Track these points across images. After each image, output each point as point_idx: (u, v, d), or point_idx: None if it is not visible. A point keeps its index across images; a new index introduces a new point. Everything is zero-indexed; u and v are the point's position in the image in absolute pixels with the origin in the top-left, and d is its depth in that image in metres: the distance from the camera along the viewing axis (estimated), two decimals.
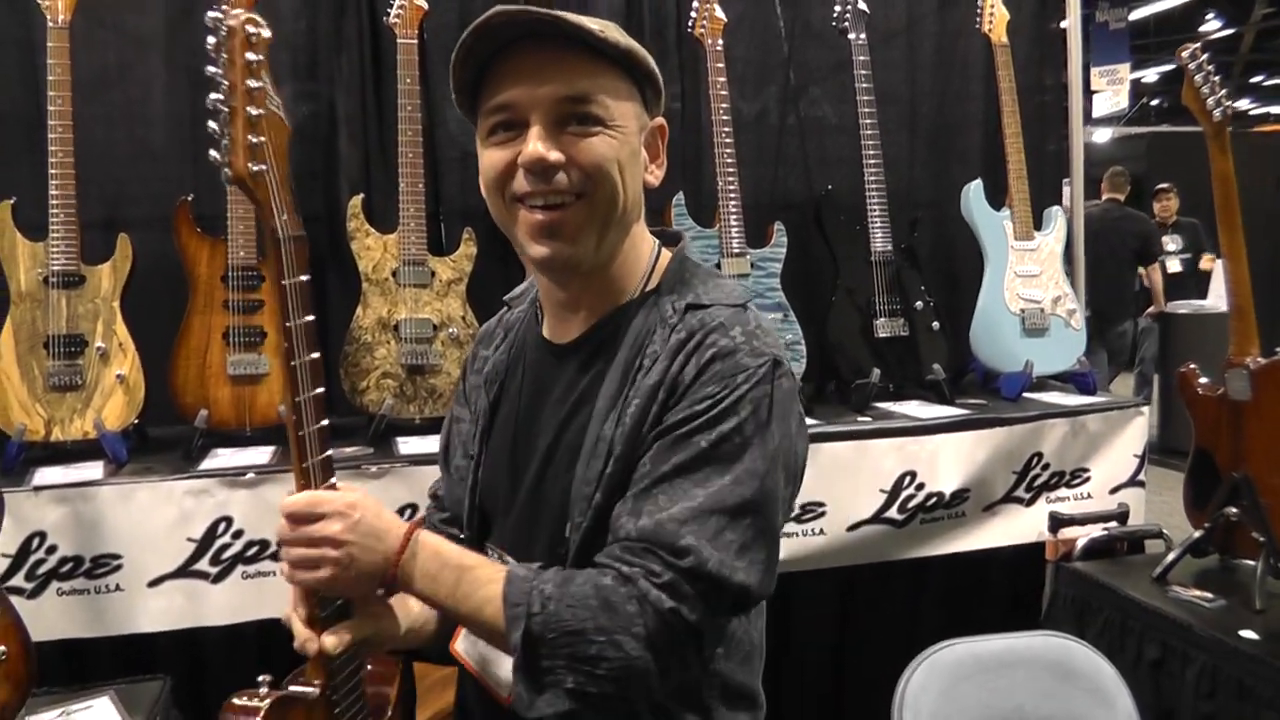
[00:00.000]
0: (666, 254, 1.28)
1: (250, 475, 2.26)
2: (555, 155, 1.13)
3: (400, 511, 2.22)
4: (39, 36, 2.29)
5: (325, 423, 1.19)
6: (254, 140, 1.07)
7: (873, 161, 2.78)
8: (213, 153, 1.08)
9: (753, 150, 2.97)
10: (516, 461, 1.26)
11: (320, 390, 1.19)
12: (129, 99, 2.61)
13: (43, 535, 2.14)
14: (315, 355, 1.20)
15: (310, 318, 1.19)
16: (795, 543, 2.48)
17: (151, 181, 2.57)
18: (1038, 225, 2.97)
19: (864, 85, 2.80)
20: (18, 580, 2.12)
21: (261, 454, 2.40)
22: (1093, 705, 2.13)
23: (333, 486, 1.16)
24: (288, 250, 1.14)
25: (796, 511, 2.46)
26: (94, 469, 2.26)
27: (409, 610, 1.27)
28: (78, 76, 2.34)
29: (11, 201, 2.27)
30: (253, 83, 1.06)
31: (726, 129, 2.68)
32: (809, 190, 2.92)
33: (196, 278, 2.45)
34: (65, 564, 2.15)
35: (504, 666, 1.18)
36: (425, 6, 2.62)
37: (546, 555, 1.17)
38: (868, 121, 2.80)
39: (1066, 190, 3.32)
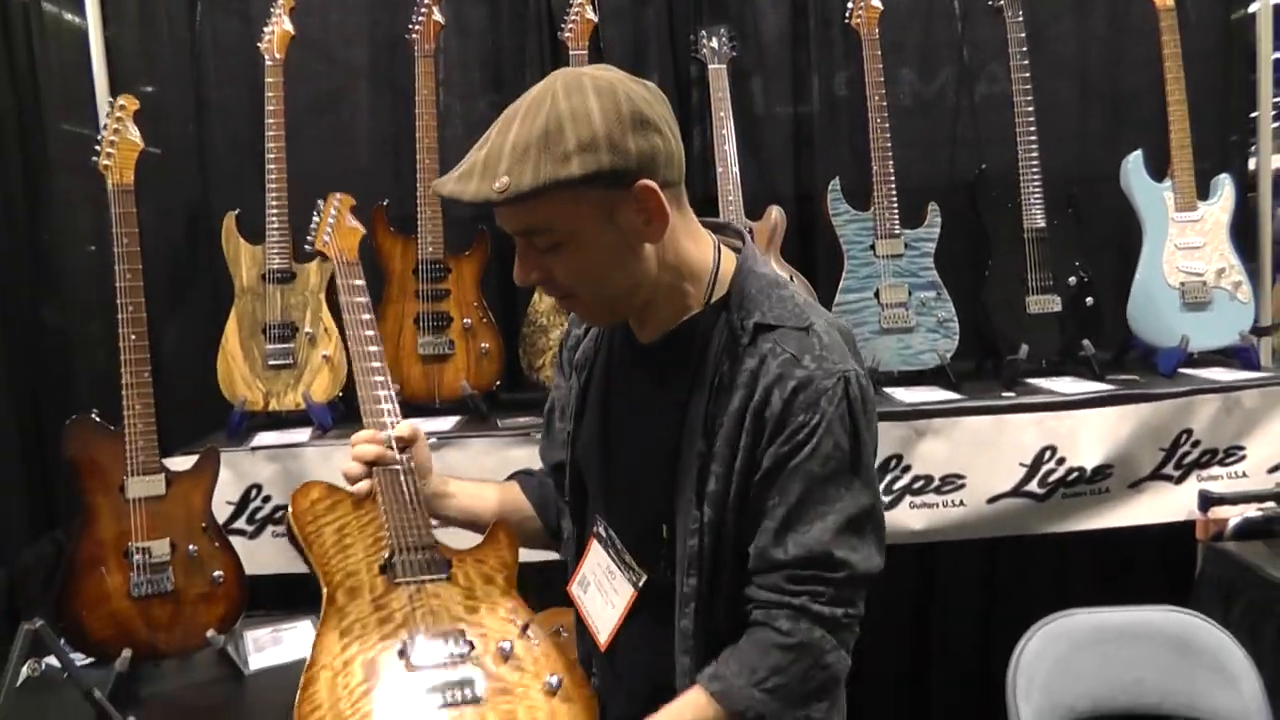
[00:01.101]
0: (729, 257, 1.38)
1: (434, 439, 2.64)
2: (531, 276, 1.30)
3: None
4: (261, 74, 2.73)
5: None
6: None
7: (1027, 137, 2.78)
8: None
9: (921, 132, 3.03)
10: (607, 447, 1.48)
11: None
12: (339, 121, 3.04)
13: (259, 487, 2.60)
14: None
15: None
16: (935, 513, 2.56)
17: (356, 190, 2.96)
18: (1204, 195, 2.87)
19: (1020, 62, 2.79)
20: (240, 523, 2.59)
21: (446, 423, 2.75)
22: (1216, 684, 2.12)
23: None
24: None
25: (936, 482, 2.56)
26: (302, 434, 2.69)
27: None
28: (296, 103, 2.79)
29: (236, 212, 2.73)
30: None
31: (883, 114, 2.78)
32: (973, 169, 2.95)
33: (391, 271, 2.83)
34: (277, 511, 2.61)
35: (601, 616, 1.47)
36: (595, 20, 2.85)
37: (641, 539, 1.41)
38: (1023, 98, 2.79)
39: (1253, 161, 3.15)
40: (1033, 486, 2.58)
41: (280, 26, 2.73)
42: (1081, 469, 2.59)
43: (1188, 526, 2.64)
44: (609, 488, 1.49)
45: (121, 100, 2.23)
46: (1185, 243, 2.82)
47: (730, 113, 2.79)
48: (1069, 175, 2.94)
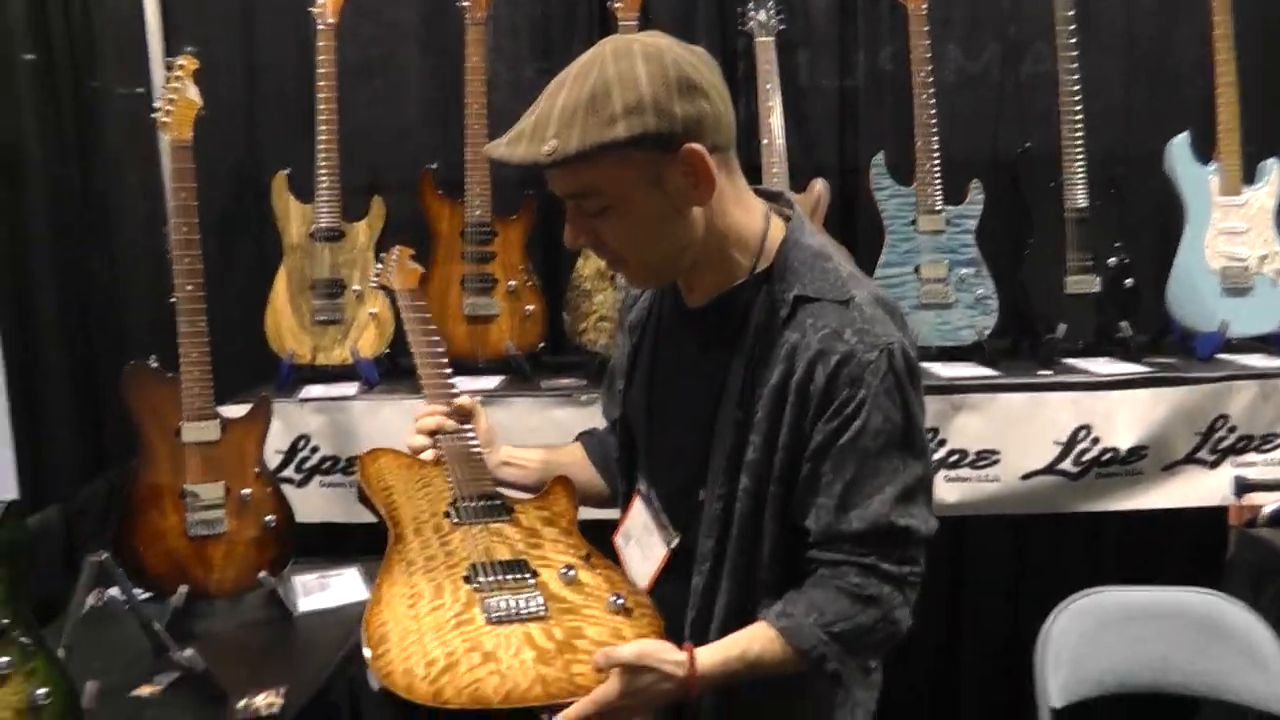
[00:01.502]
0: (778, 227, 1.40)
1: (479, 398, 2.67)
2: (581, 240, 1.34)
3: None
4: (313, 34, 2.76)
5: None
6: None
7: (1071, 115, 2.78)
8: None
9: (965, 108, 3.01)
10: (651, 407, 1.52)
11: None
12: (389, 83, 3.07)
13: (307, 438, 2.66)
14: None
15: None
16: (968, 487, 2.59)
17: (404, 153, 3.02)
18: (1250, 179, 2.87)
19: (1066, 40, 2.78)
20: (288, 472, 2.65)
21: (490, 382, 2.81)
22: (1244, 666, 2.14)
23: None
24: None
25: (970, 457, 2.58)
26: (350, 388, 2.74)
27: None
28: (345, 65, 2.82)
29: (287, 171, 2.78)
30: None
31: (928, 90, 2.78)
32: (1017, 147, 2.95)
33: (439, 233, 2.87)
34: (325, 461, 2.67)
35: (639, 571, 1.52)
36: None
37: (676, 501, 1.46)
38: (1069, 76, 2.78)
39: None
40: (1066, 465, 2.60)
41: None
42: (1115, 450, 2.60)
43: (1218, 512, 2.67)
44: (651, 447, 1.54)
45: (181, 60, 2.27)
46: (1228, 227, 2.82)
47: (777, 85, 2.81)
48: (1113, 155, 2.93)
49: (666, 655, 1.32)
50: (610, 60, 1.24)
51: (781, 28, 2.86)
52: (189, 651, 1.84)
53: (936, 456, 2.56)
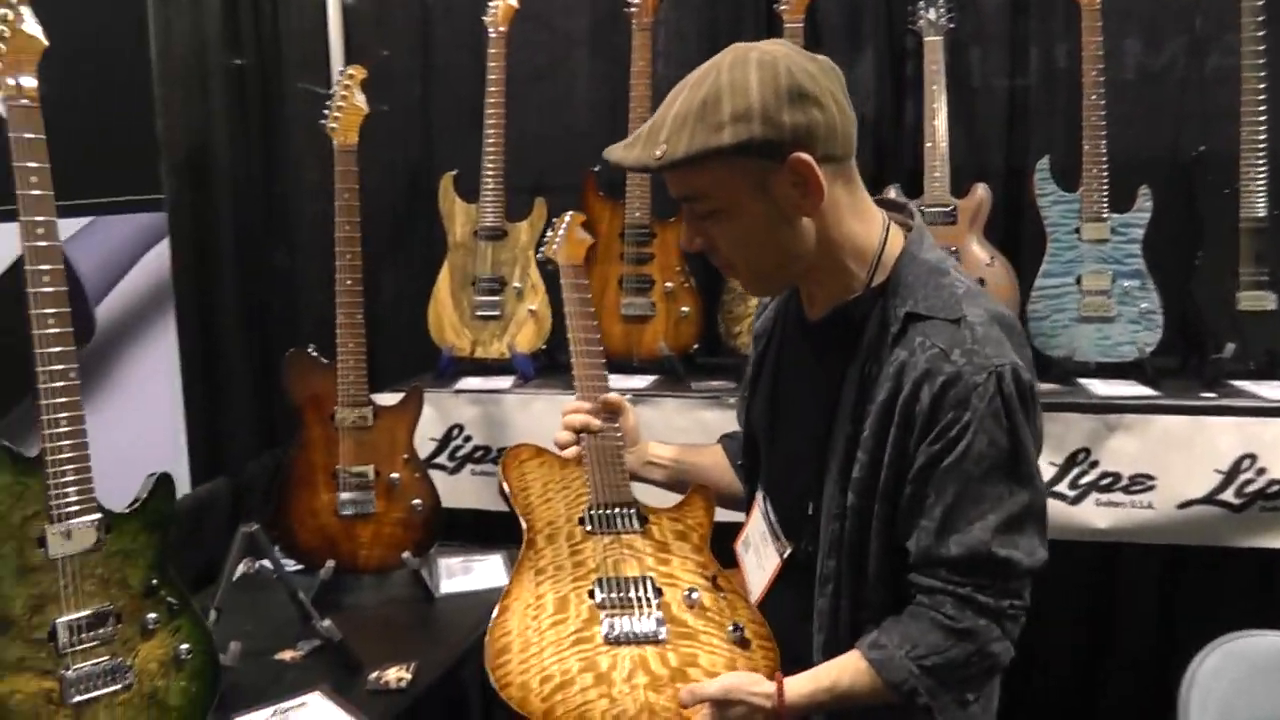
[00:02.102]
0: (897, 239, 1.39)
1: (629, 396, 2.72)
2: (695, 243, 1.38)
3: None
4: (485, 41, 2.87)
5: None
6: None
7: (1254, 116, 2.57)
8: None
9: (1143, 108, 2.84)
10: (773, 417, 1.55)
11: None
12: (557, 88, 3.16)
13: (461, 427, 2.76)
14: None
15: None
16: (1121, 513, 2.43)
17: (569, 155, 3.09)
18: None
19: (1253, 33, 2.58)
20: (442, 459, 2.76)
21: (642, 381, 2.84)
22: None
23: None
24: None
25: (1124, 481, 2.43)
26: (505, 381, 2.83)
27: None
28: (517, 70, 2.93)
29: (454, 173, 2.90)
30: None
31: (1098, 89, 2.65)
32: (1192, 149, 2.78)
33: (599, 234, 2.91)
34: (477, 451, 2.77)
35: (754, 579, 1.55)
36: None
37: (789, 512, 1.48)
38: (1253, 73, 2.56)
39: None
40: (1228, 495, 2.38)
41: (505, 1, 2.86)
42: None
43: None
44: (769, 456, 1.56)
45: (351, 69, 2.41)
46: None
47: (943, 86, 2.74)
48: None
49: (755, 688, 1.35)
50: (726, 68, 1.27)
51: (951, 26, 2.79)
52: (327, 622, 1.96)
53: (1088, 478, 2.42)
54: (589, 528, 1.68)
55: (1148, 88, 2.82)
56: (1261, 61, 2.58)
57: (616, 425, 1.72)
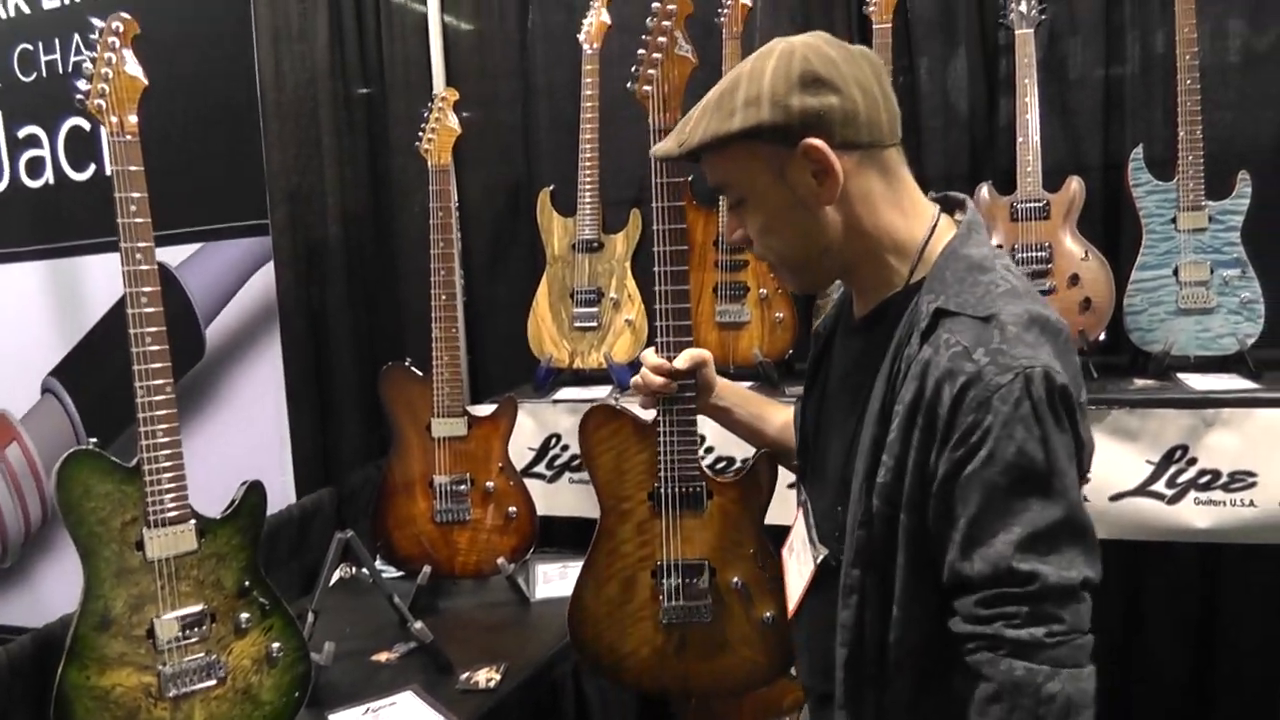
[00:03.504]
0: (947, 230, 1.32)
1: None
2: (736, 234, 1.38)
3: None
4: (580, 59, 2.93)
5: None
6: None
7: None
8: None
9: (1248, 91, 2.70)
10: (819, 418, 1.49)
11: None
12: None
13: (558, 436, 2.80)
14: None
15: None
16: (1221, 512, 2.30)
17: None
18: None
19: None
20: (540, 468, 2.81)
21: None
22: None
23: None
24: None
25: (1224, 479, 2.31)
26: (603, 391, 2.86)
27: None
28: (611, 86, 2.97)
29: (550, 189, 2.97)
30: None
31: (1193, 74, 2.54)
32: None
33: (694, 242, 2.94)
34: (574, 459, 2.79)
35: (792, 584, 1.53)
36: None
37: (825, 516, 1.42)
38: None
39: None
40: None
41: (598, 18, 2.92)
42: None
43: None
44: (814, 457, 1.49)
45: (444, 93, 2.51)
46: None
47: (1035, 79, 2.67)
48: None
49: None
50: (753, 59, 1.27)
51: (1043, 18, 2.73)
52: (419, 624, 2.04)
53: (1185, 476, 2.32)
54: (655, 505, 1.79)
55: (1251, 71, 2.70)
56: None
57: (693, 383, 1.72)
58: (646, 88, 1.89)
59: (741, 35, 2.90)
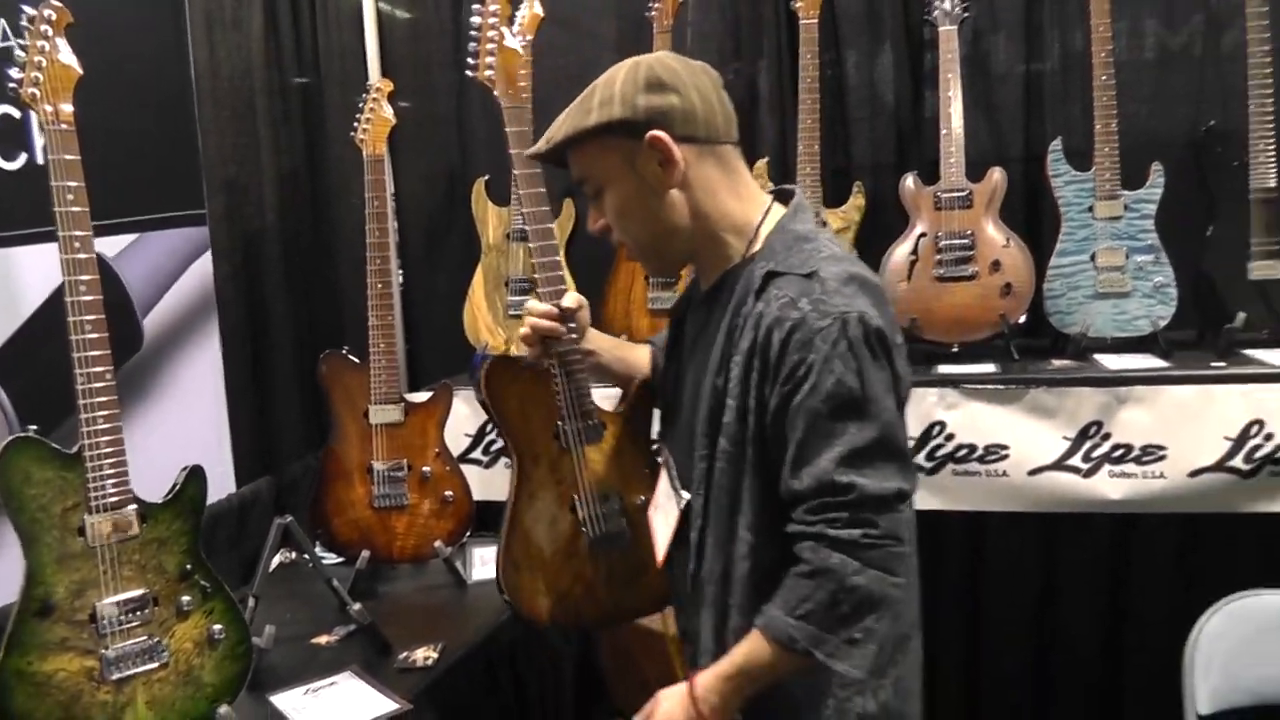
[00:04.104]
0: (778, 215, 1.52)
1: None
2: (597, 225, 1.56)
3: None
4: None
5: None
6: None
7: (1260, 89, 2.55)
8: None
9: (1161, 87, 2.85)
10: (671, 384, 1.68)
11: None
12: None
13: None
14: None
15: None
16: (1133, 484, 2.44)
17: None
18: None
19: (1259, 8, 2.56)
20: (476, 454, 2.86)
21: None
22: None
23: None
24: None
25: (1136, 452, 2.45)
26: None
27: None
28: (547, 74, 2.95)
29: (485, 178, 3.00)
30: None
31: (1107, 70, 2.65)
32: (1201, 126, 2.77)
33: None
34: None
35: (660, 535, 1.67)
36: None
37: (683, 466, 1.58)
38: (1259, 46, 2.55)
39: None
40: (1237, 462, 2.38)
41: (530, 10, 2.95)
42: None
43: None
44: (671, 419, 1.70)
45: (378, 83, 2.55)
46: None
47: (957, 75, 2.77)
48: None
49: (667, 702, 1.47)
50: (607, 71, 1.49)
51: (966, 15, 2.82)
52: (358, 606, 2.08)
53: (1100, 451, 2.45)
54: (562, 443, 1.89)
55: (1164, 68, 2.83)
56: (1266, 34, 2.57)
57: (574, 326, 1.81)
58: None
59: (672, 30, 2.96)
